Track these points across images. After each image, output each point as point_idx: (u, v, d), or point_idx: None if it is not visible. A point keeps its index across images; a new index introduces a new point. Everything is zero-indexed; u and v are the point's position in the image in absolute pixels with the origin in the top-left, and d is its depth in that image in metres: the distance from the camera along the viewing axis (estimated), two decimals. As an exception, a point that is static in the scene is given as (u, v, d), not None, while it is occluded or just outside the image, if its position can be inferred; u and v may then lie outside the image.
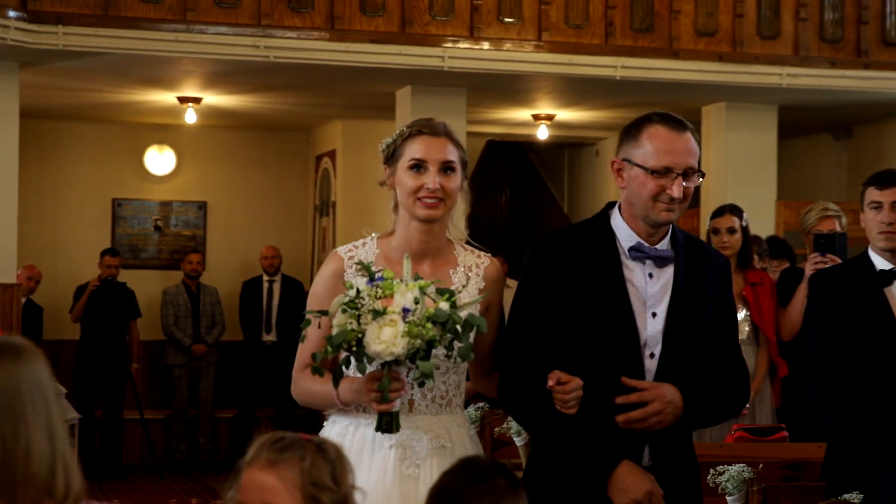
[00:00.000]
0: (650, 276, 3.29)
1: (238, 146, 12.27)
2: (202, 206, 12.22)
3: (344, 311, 3.02)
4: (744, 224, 6.58)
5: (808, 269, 5.81)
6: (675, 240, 3.34)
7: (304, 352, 3.35)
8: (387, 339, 2.96)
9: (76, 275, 11.16)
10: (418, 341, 2.98)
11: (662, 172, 3.22)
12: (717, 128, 10.25)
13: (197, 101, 10.33)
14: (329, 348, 3.04)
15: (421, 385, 3.17)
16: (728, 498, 4.23)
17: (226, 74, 9.38)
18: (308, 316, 3.20)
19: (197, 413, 11.39)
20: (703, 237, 6.77)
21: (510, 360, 3.30)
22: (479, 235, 14.21)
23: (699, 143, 3.33)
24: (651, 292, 3.28)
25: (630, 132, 3.33)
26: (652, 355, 3.27)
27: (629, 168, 3.28)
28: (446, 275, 3.36)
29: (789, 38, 9.48)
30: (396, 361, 3.01)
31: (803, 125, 11.41)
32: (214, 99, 10.42)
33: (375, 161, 3.42)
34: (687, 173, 3.23)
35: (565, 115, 11.11)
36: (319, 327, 3.17)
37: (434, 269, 3.36)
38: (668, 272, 3.31)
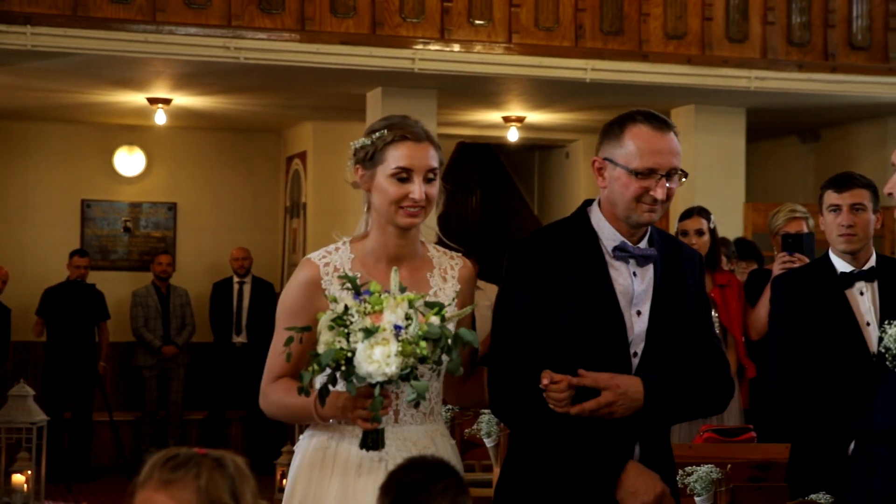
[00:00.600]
0: (634, 274, 3.26)
1: (208, 147, 12.25)
2: (172, 207, 12.19)
3: (331, 328, 2.91)
4: (712, 226, 6.62)
5: (776, 269, 5.86)
6: (651, 237, 3.32)
7: (274, 363, 3.23)
8: (379, 358, 2.86)
9: (44, 276, 11.12)
10: (411, 360, 2.88)
11: (646, 174, 3.18)
12: (686, 130, 10.29)
13: (167, 102, 10.32)
14: (315, 367, 2.91)
15: (416, 406, 3.07)
16: (696, 498, 4.25)
17: (196, 75, 9.36)
18: (289, 332, 3.08)
19: (167, 415, 11.37)
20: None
21: (501, 364, 3.22)
22: (450, 237, 14.17)
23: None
24: (637, 291, 3.25)
25: (612, 131, 3.27)
26: (635, 354, 3.25)
27: (611, 168, 3.23)
28: (424, 278, 3.28)
29: (757, 41, 9.56)
30: (388, 381, 2.90)
31: (771, 128, 11.50)
32: (184, 100, 10.40)
33: (346, 162, 3.29)
34: (670, 174, 3.20)
35: (535, 117, 11.15)
36: (301, 342, 3.05)
37: (411, 272, 3.26)
38: (650, 270, 3.29)
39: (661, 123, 3.23)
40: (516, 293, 3.22)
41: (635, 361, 3.24)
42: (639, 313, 3.25)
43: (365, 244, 3.27)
